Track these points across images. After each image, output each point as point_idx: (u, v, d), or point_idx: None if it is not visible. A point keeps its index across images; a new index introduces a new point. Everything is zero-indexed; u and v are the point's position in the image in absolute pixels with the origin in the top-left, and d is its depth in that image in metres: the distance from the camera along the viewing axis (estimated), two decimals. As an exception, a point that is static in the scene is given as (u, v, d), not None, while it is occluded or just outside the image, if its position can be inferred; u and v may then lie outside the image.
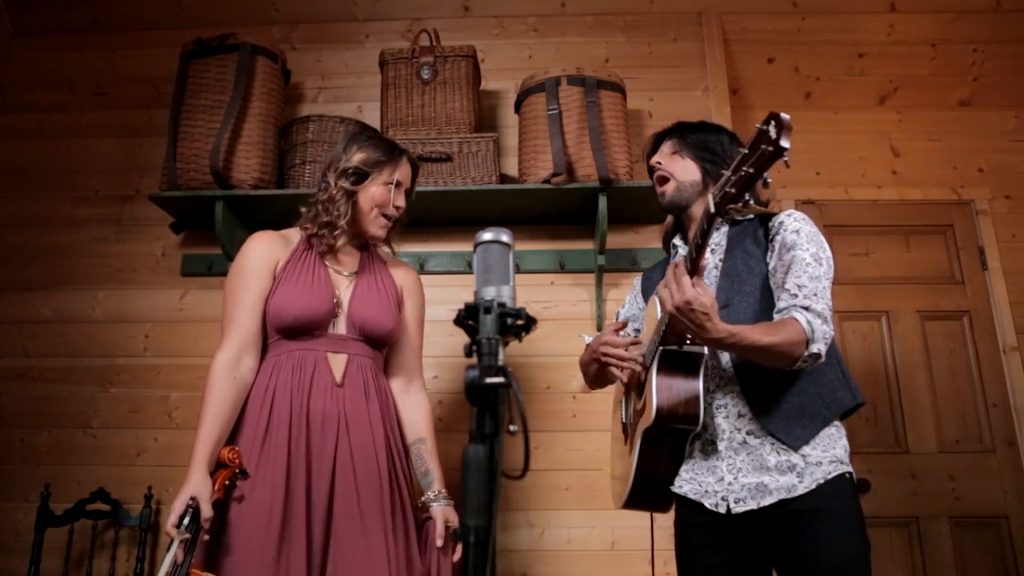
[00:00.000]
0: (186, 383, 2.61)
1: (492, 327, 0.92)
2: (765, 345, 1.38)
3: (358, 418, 1.68)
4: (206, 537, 1.55)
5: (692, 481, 1.57)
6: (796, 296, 1.45)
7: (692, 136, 1.70)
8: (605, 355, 1.60)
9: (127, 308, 2.71)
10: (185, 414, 2.58)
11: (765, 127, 1.17)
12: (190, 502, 1.51)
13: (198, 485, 1.54)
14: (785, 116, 1.14)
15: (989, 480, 2.62)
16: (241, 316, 1.71)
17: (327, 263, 1.80)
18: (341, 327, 1.75)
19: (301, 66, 2.93)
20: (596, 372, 1.72)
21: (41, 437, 2.59)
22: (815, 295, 1.44)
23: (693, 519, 1.58)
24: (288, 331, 1.71)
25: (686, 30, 2.98)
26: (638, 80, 2.84)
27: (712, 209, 1.30)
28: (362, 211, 1.81)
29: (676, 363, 1.50)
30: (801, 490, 1.45)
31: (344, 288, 1.80)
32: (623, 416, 1.74)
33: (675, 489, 1.59)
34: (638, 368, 1.57)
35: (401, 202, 1.85)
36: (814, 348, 1.40)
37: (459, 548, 1.70)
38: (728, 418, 1.54)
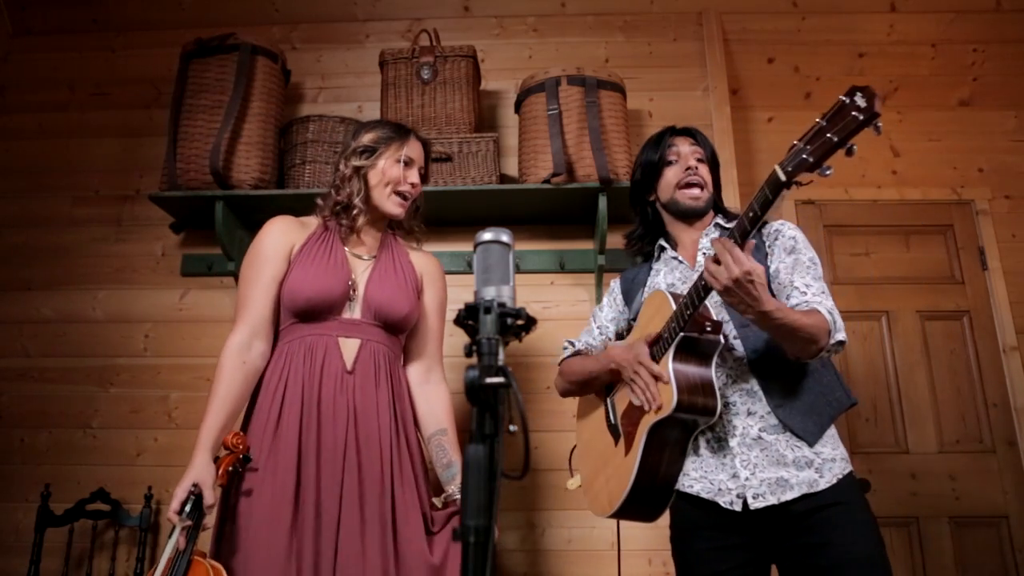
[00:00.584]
0: (186, 383, 2.61)
1: (492, 327, 0.92)
2: (802, 325, 1.39)
3: (366, 407, 1.66)
4: (208, 524, 1.54)
5: (703, 480, 1.54)
6: (806, 293, 1.51)
7: (709, 148, 1.78)
8: (637, 374, 1.53)
9: (127, 308, 2.71)
10: (185, 414, 2.58)
11: (848, 98, 1.20)
12: (193, 488, 1.51)
13: (201, 471, 1.53)
14: (871, 88, 1.19)
15: (989, 480, 2.62)
16: (254, 300, 1.70)
17: (347, 247, 1.80)
18: (356, 311, 1.73)
19: (301, 66, 2.93)
20: (597, 383, 1.70)
21: (41, 437, 2.59)
22: (823, 293, 1.52)
23: (699, 522, 1.54)
24: (301, 313, 1.70)
25: (686, 30, 2.98)
26: (638, 80, 2.84)
27: (783, 178, 1.27)
28: (374, 188, 1.80)
29: (693, 352, 1.49)
30: (823, 485, 1.45)
31: (361, 271, 1.78)
32: (610, 417, 1.69)
33: (685, 489, 1.55)
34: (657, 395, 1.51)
35: (415, 178, 1.83)
36: (839, 336, 1.44)
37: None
38: (739, 415, 1.53)
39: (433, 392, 1.84)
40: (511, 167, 2.75)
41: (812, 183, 1.26)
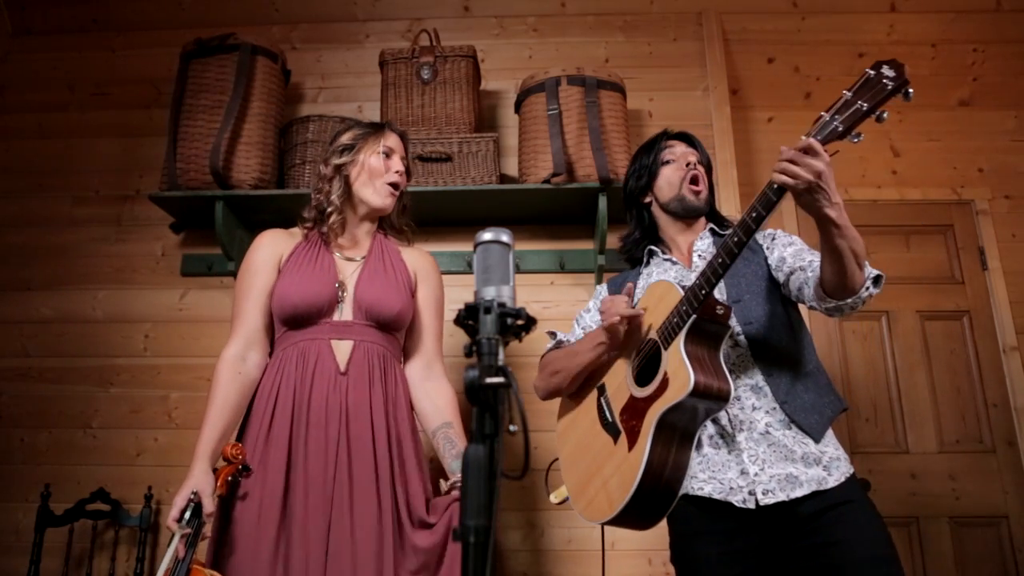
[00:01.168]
0: (186, 383, 2.61)
1: (492, 327, 0.92)
2: (859, 240, 1.38)
3: (359, 407, 1.65)
4: (207, 533, 1.54)
5: (712, 480, 1.50)
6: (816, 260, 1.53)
7: (704, 152, 1.81)
8: (618, 315, 1.51)
9: (127, 308, 2.71)
10: (185, 414, 2.58)
11: (875, 71, 1.26)
12: (192, 497, 1.51)
13: (200, 479, 1.54)
14: (897, 60, 1.27)
15: (989, 480, 2.62)
16: (246, 312, 1.73)
17: (335, 251, 1.81)
18: (347, 312, 1.73)
19: (301, 66, 2.93)
20: (583, 368, 1.65)
21: (41, 437, 2.59)
22: None
23: (705, 527, 1.50)
24: (290, 320, 1.71)
25: (686, 30, 2.98)
26: (638, 80, 2.84)
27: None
28: (357, 182, 1.82)
29: (705, 336, 1.46)
30: (832, 483, 1.45)
31: (350, 273, 1.79)
32: (606, 416, 1.61)
33: (694, 492, 1.51)
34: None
35: (399, 166, 1.85)
36: (873, 271, 1.43)
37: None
38: (744, 409, 1.51)
39: (435, 388, 1.83)
40: (511, 167, 2.75)
41: (837, 152, 1.31)
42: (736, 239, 1.38)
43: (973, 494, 2.60)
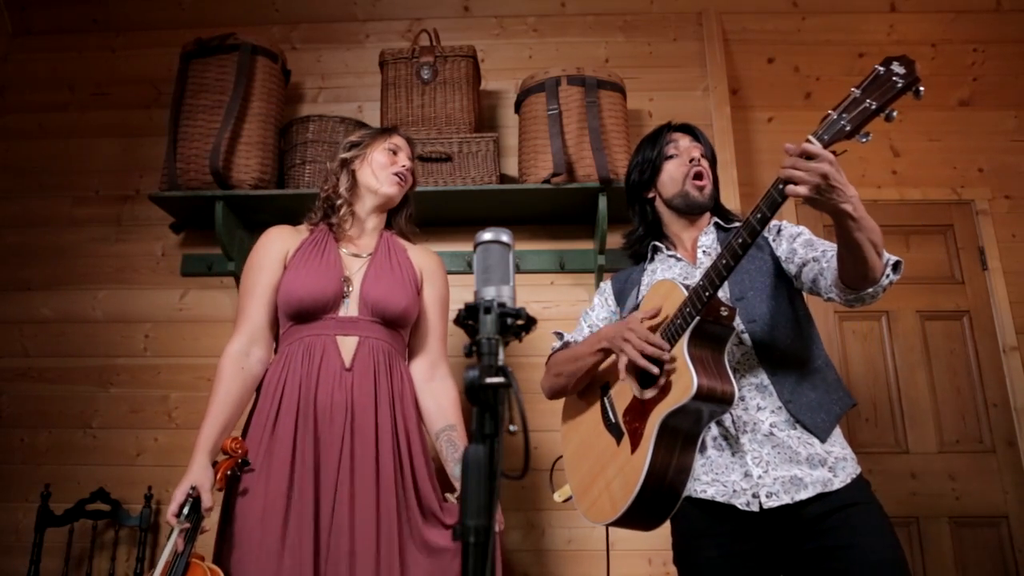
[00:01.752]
0: (186, 383, 2.61)
1: (492, 327, 0.92)
2: (877, 229, 1.35)
3: (364, 403, 1.65)
4: (206, 527, 1.55)
5: (715, 483, 1.48)
6: (831, 250, 1.50)
7: (708, 145, 1.78)
8: (627, 340, 1.45)
9: (127, 308, 2.71)
10: (185, 414, 2.58)
11: (884, 67, 1.22)
12: (191, 491, 1.52)
13: (199, 474, 1.54)
14: (907, 56, 1.22)
15: (989, 480, 2.62)
16: (250, 308, 1.74)
17: (342, 247, 1.81)
18: (353, 308, 1.74)
19: (301, 66, 2.93)
20: (587, 371, 1.63)
21: (41, 437, 2.59)
22: None
23: (708, 529, 1.48)
24: (296, 315, 1.71)
25: (686, 30, 2.98)
26: (638, 80, 2.84)
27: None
28: (362, 174, 1.86)
29: (708, 338, 1.44)
30: (837, 484, 1.42)
31: (356, 269, 1.79)
32: (609, 416, 1.60)
33: (697, 495, 1.49)
34: (666, 357, 1.44)
35: (405, 161, 1.89)
36: (892, 257, 1.42)
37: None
38: (748, 409, 1.49)
39: (439, 388, 1.83)
40: (511, 167, 2.75)
41: (845, 152, 1.27)
42: (740, 241, 1.36)
43: (973, 494, 2.60)
